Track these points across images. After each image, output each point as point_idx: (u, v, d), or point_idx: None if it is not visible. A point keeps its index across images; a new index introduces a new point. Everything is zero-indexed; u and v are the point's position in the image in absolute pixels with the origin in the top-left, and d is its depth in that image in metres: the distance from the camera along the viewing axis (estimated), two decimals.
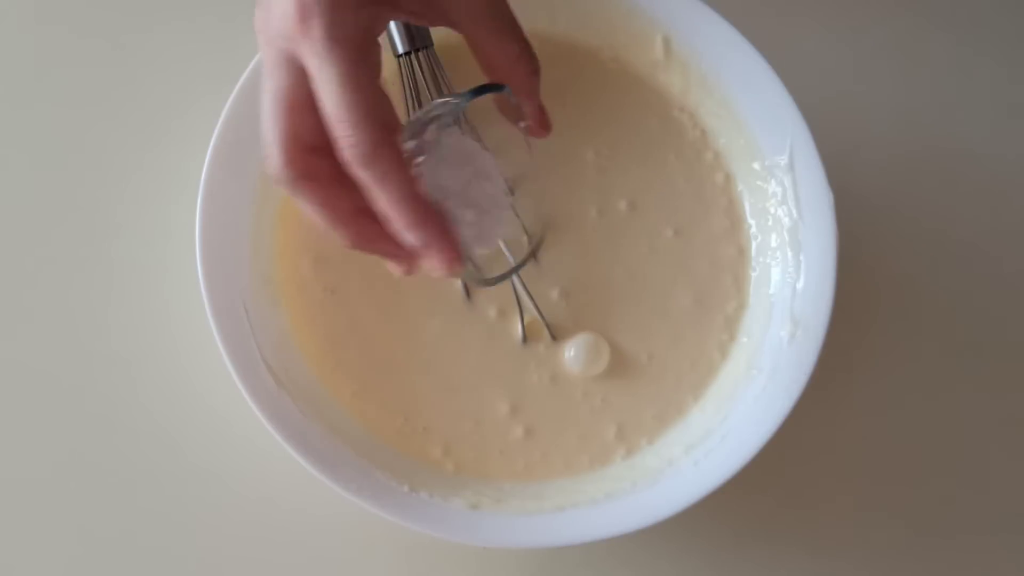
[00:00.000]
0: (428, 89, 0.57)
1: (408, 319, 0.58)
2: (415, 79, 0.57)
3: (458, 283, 0.58)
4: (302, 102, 0.44)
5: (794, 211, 0.58)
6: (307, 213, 0.46)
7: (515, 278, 0.58)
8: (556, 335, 0.59)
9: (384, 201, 0.44)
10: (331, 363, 0.57)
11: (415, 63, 0.57)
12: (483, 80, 0.53)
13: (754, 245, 0.60)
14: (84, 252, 0.61)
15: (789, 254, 0.58)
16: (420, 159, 0.47)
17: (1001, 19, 0.68)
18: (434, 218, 0.45)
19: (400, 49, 0.56)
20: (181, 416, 0.60)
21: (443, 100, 0.49)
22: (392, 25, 0.56)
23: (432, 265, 0.46)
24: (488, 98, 0.50)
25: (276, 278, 0.57)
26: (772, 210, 0.59)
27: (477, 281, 0.53)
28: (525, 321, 0.58)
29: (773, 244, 0.59)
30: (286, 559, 0.59)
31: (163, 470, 0.60)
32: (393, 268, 0.48)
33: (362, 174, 0.44)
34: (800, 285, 0.57)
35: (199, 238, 0.54)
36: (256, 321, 0.55)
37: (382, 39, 0.56)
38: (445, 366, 0.58)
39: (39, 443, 0.60)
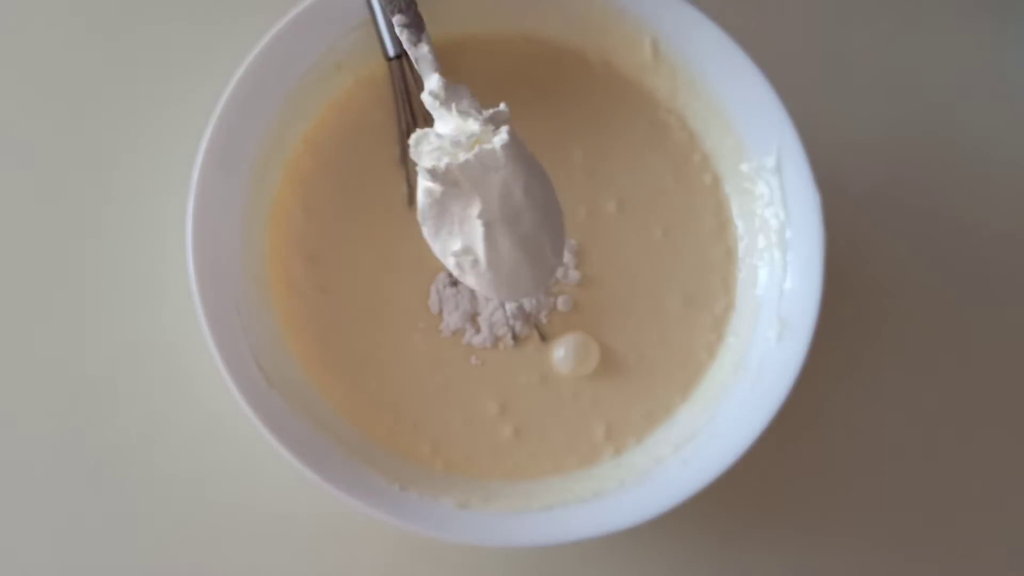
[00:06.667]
0: (419, 92, 0.57)
1: (398, 319, 0.58)
2: (406, 82, 0.58)
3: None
4: None
5: (781, 212, 0.58)
6: None
7: None
8: (545, 335, 0.59)
9: None
10: (322, 362, 0.58)
11: (406, 67, 0.57)
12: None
13: (741, 246, 0.60)
14: (74, 251, 0.61)
15: (776, 255, 0.58)
16: None
17: (990, 18, 0.68)
18: None
19: (391, 52, 0.57)
20: (172, 414, 0.60)
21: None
22: (383, 27, 0.56)
23: None
24: None
25: (267, 278, 0.58)
26: (759, 211, 0.59)
27: None
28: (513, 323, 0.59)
29: (760, 245, 0.59)
30: (276, 558, 0.60)
31: (153, 468, 0.60)
32: None
33: None
34: (787, 286, 0.58)
35: (190, 237, 0.54)
36: (247, 320, 0.55)
37: (373, 42, 0.57)
38: (435, 365, 0.58)
39: (29, 442, 0.60)
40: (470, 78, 0.59)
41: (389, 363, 0.58)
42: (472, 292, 0.58)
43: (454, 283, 0.59)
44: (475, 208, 0.46)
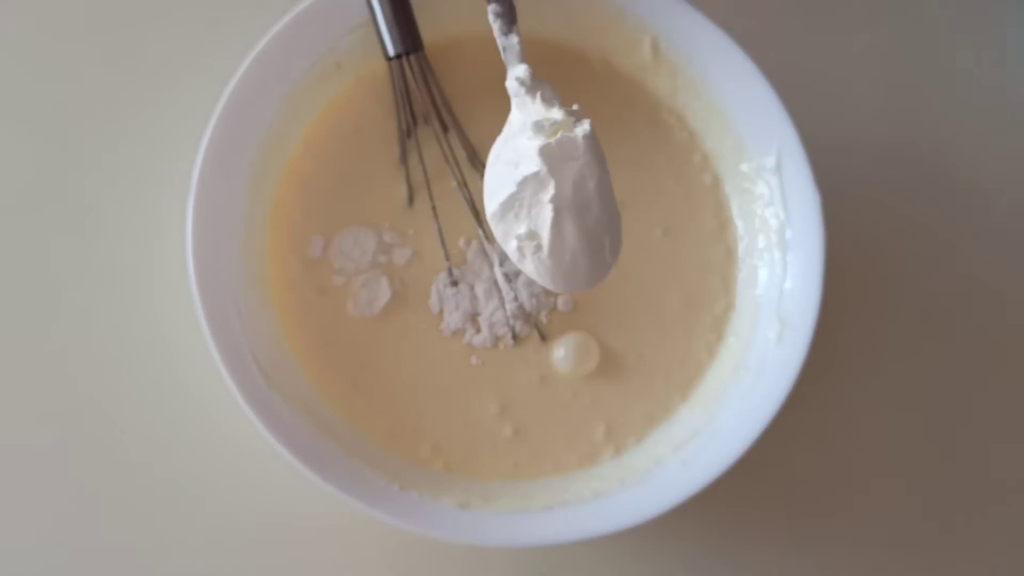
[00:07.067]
0: (419, 92, 0.58)
1: (398, 319, 0.58)
2: (406, 82, 0.58)
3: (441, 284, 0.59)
4: None
5: (781, 212, 0.58)
6: None
7: (502, 278, 0.59)
8: (545, 335, 0.59)
9: None
10: (321, 363, 0.58)
11: (406, 67, 0.57)
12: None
13: (742, 246, 0.60)
14: (74, 252, 0.61)
15: (776, 255, 0.58)
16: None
17: (990, 20, 0.68)
18: None
19: (391, 52, 0.57)
20: (172, 415, 0.60)
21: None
22: (383, 27, 0.56)
23: None
24: None
25: (267, 278, 0.58)
26: (759, 211, 0.59)
27: None
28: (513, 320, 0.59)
29: (760, 245, 0.59)
30: (276, 559, 0.59)
31: (153, 469, 0.60)
32: None
33: None
34: (787, 286, 0.58)
35: (190, 238, 0.54)
36: (247, 321, 0.55)
37: (373, 42, 0.57)
38: (435, 365, 0.58)
39: (28, 442, 0.60)
40: (471, 77, 0.59)
41: (389, 363, 0.58)
42: (472, 292, 0.58)
43: (454, 283, 0.59)
44: (548, 192, 0.47)
